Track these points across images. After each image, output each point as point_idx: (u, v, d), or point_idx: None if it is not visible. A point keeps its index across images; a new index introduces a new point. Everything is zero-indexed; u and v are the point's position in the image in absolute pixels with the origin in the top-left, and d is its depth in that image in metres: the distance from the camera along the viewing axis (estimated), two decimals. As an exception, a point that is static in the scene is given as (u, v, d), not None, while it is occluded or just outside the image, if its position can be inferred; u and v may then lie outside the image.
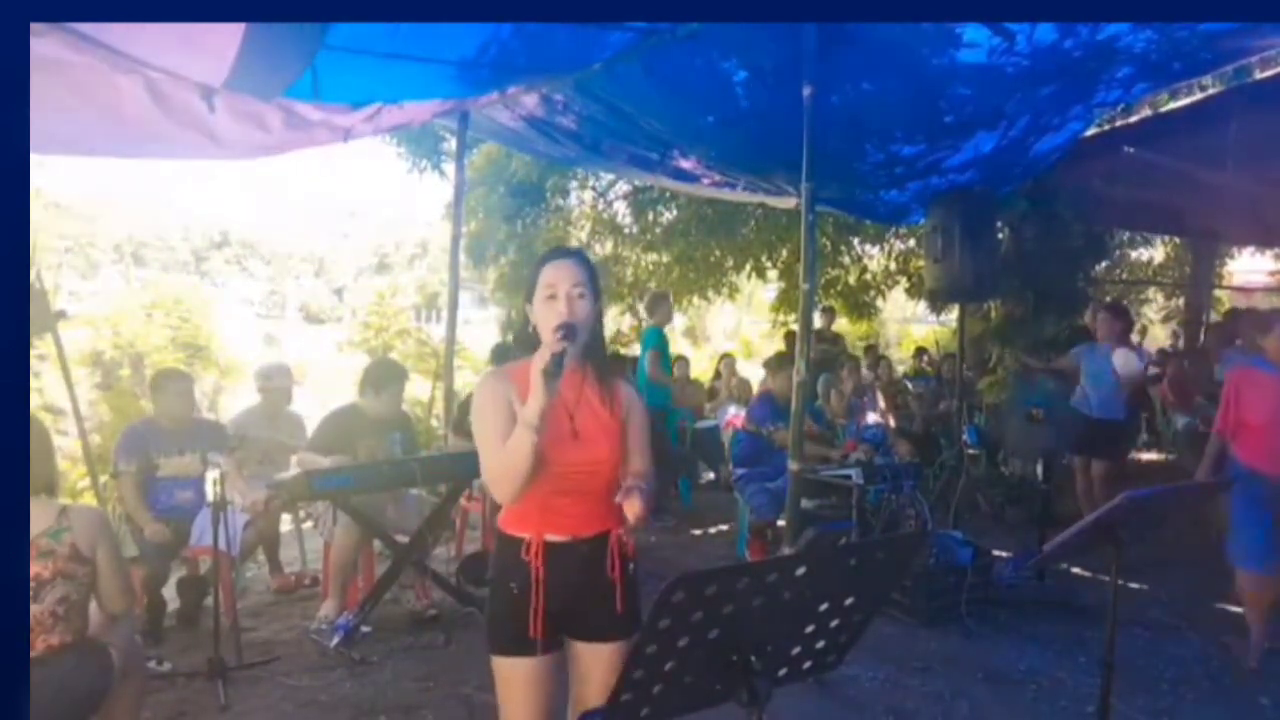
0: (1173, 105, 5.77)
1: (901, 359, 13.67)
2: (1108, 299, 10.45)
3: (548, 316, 1.89)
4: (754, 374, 9.70)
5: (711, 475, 8.15)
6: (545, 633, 1.89)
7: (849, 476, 4.60)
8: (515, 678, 1.92)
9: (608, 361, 2.08)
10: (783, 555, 3.56)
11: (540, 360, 1.76)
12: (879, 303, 12.13)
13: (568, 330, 1.82)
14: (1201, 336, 9.87)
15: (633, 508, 1.85)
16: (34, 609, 2.21)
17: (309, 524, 5.11)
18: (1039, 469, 5.57)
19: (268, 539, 4.72)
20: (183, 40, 2.98)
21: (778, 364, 5.55)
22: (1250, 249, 10.79)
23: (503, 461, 1.82)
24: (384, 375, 4.34)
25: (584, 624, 1.96)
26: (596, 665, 1.97)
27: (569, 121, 4.88)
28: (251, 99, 3.69)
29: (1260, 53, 3.96)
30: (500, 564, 1.97)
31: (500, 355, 5.57)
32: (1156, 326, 14.34)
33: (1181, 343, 10.48)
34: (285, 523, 5.22)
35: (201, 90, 3.43)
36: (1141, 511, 2.37)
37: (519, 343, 2.04)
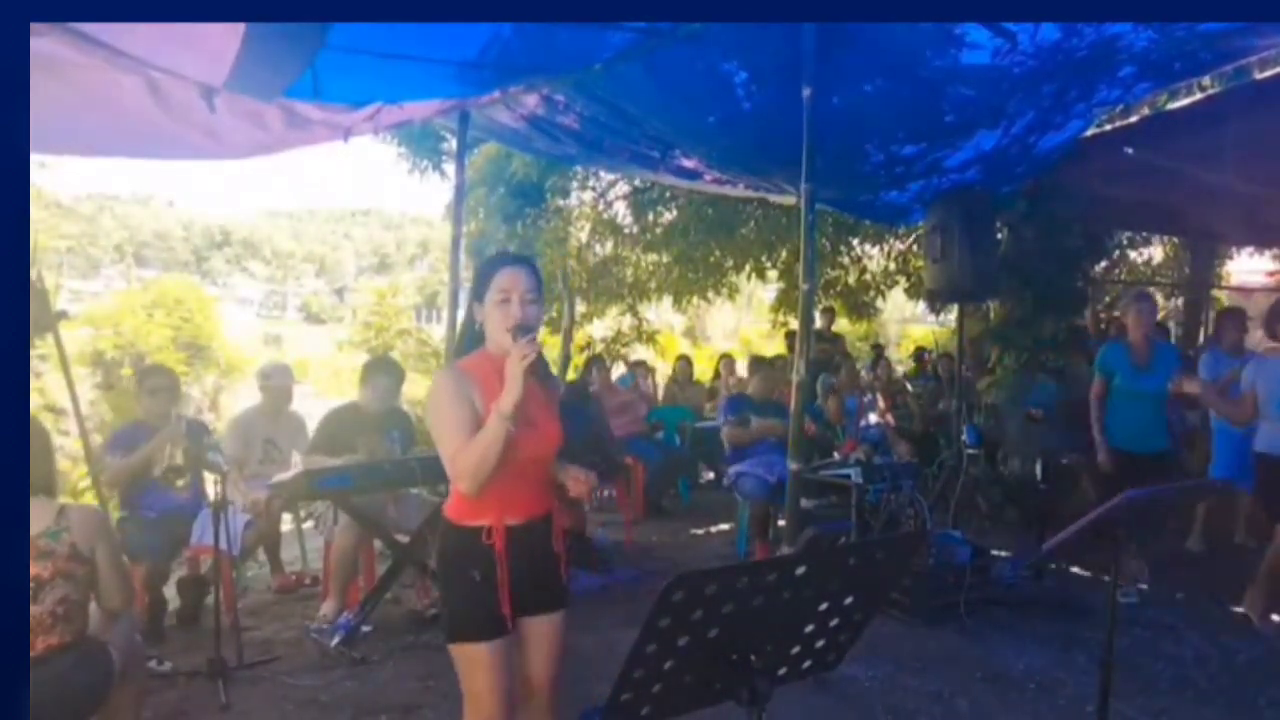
0: (1172, 105, 5.77)
1: (901, 359, 13.68)
2: (1106, 299, 10.49)
3: (499, 319, 2.04)
4: (753, 374, 9.69)
5: (711, 475, 8.16)
6: (513, 612, 2.03)
7: (848, 476, 4.61)
8: (483, 661, 2.02)
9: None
10: (783, 555, 3.56)
11: (524, 360, 1.91)
12: (879, 303, 12.13)
13: (522, 335, 1.97)
14: (1201, 337, 9.86)
15: (584, 482, 2.14)
16: (34, 609, 2.21)
17: (310, 524, 5.12)
18: (1038, 469, 5.58)
19: (268, 538, 4.73)
20: (182, 41, 2.98)
21: (756, 368, 5.85)
22: (1249, 249, 10.79)
23: (476, 453, 1.92)
24: (375, 370, 4.38)
25: (533, 599, 2.09)
26: (542, 635, 2.13)
27: (570, 121, 4.89)
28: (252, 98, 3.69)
29: (1260, 52, 3.97)
30: (457, 554, 2.06)
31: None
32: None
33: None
34: (286, 522, 5.22)
35: (202, 89, 3.43)
36: (1141, 511, 2.37)
37: (467, 339, 2.17)
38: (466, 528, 2.04)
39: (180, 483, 4.10)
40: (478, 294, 2.10)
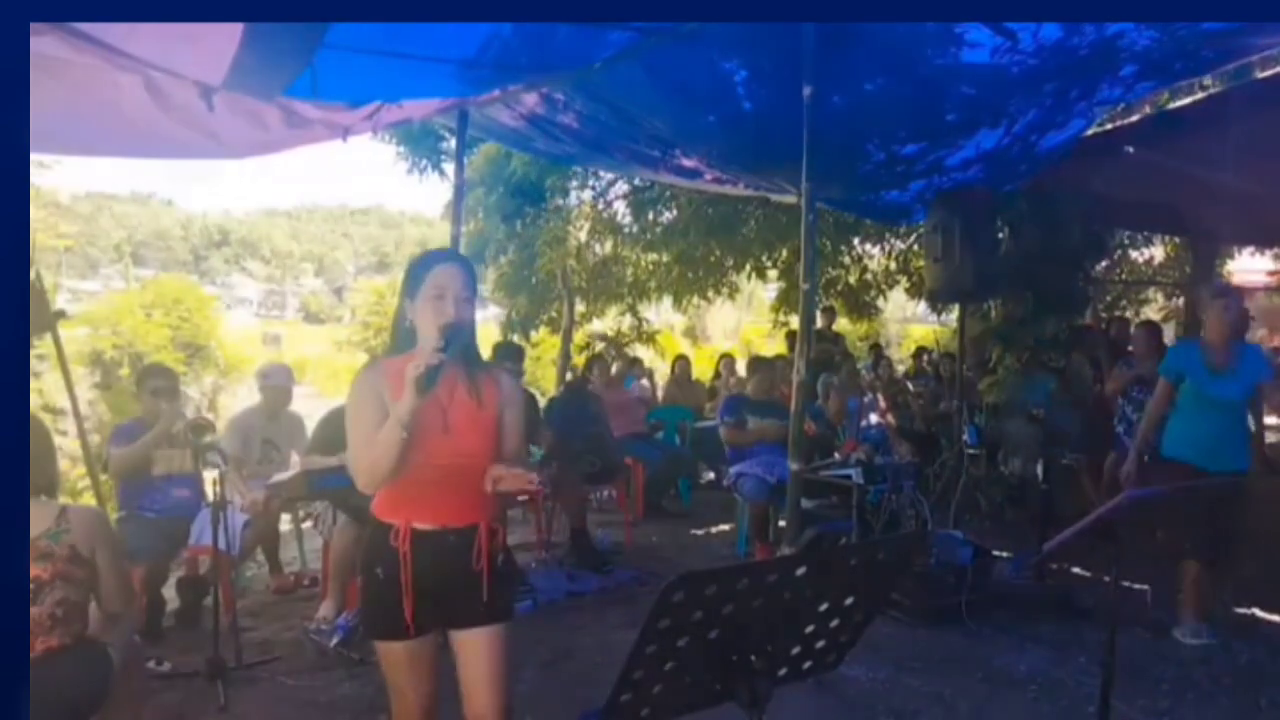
0: (1174, 104, 5.76)
1: (901, 359, 13.67)
2: (1108, 298, 10.48)
3: (431, 316, 1.96)
4: (754, 374, 9.66)
5: (711, 475, 8.15)
6: (415, 618, 1.97)
7: (849, 476, 4.60)
8: (396, 658, 2.02)
9: (479, 358, 2.16)
10: (783, 555, 3.56)
11: (415, 370, 1.84)
12: (879, 302, 12.13)
13: (453, 335, 1.90)
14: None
15: (496, 479, 1.95)
16: (33, 611, 2.20)
17: (308, 524, 5.11)
18: (1039, 469, 5.57)
19: (267, 539, 4.72)
20: (181, 40, 2.98)
21: (755, 368, 5.94)
22: (1250, 248, 10.79)
23: (370, 455, 1.92)
24: None
25: (450, 612, 2.04)
26: (468, 651, 2.05)
27: (570, 120, 4.88)
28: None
29: (1261, 51, 3.96)
30: (370, 550, 2.06)
31: (500, 354, 5.59)
32: (1157, 327, 14.30)
33: None
34: (285, 522, 5.22)
35: (201, 89, 3.42)
36: (1142, 511, 2.36)
37: (399, 338, 2.09)
38: (379, 525, 2.02)
39: (209, 438, 3.96)
40: (410, 291, 2.03)
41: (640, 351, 11.41)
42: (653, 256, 10.70)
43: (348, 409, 2.02)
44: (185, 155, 4.69)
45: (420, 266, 2.04)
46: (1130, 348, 7.06)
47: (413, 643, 2.00)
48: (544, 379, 14.05)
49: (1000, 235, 6.05)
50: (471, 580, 2.02)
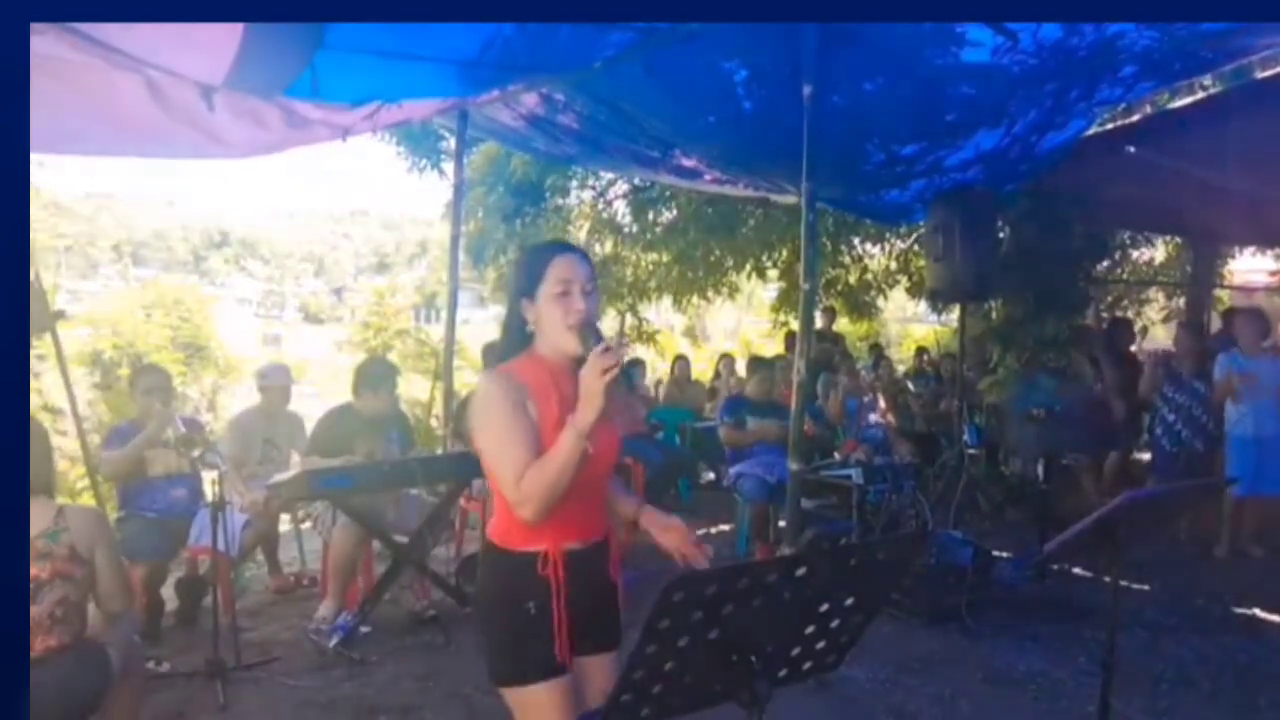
0: (1174, 104, 5.75)
1: (902, 359, 13.66)
2: (1109, 298, 10.47)
3: (560, 314, 1.77)
4: (754, 374, 9.64)
5: (711, 475, 8.14)
6: (572, 648, 1.79)
7: (849, 477, 4.60)
8: (544, 703, 1.77)
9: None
10: (783, 555, 3.55)
11: (609, 372, 1.63)
12: (880, 302, 12.12)
13: (591, 333, 1.72)
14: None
15: (679, 531, 1.97)
16: (32, 610, 2.20)
17: (308, 524, 5.11)
18: (1039, 469, 5.56)
19: (267, 539, 4.71)
20: (182, 39, 2.98)
21: (755, 368, 5.92)
22: (1251, 248, 10.78)
23: (549, 475, 1.67)
24: (377, 374, 4.35)
25: (591, 635, 1.86)
26: (598, 675, 1.89)
27: (570, 120, 4.88)
28: (251, 97, 3.68)
29: (1261, 51, 3.96)
30: (507, 584, 1.81)
31: (492, 354, 5.58)
32: (1158, 327, 14.31)
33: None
34: (284, 523, 5.22)
35: (201, 89, 3.42)
36: (1142, 511, 2.36)
37: (513, 340, 1.87)
38: (518, 554, 1.78)
39: (197, 453, 3.87)
40: (526, 288, 1.80)
41: (640, 351, 11.40)
42: (653, 256, 10.69)
43: (490, 432, 1.75)
44: (186, 155, 4.68)
45: (536, 261, 1.82)
46: (1130, 346, 7.07)
47: (564, 679, 1.79)
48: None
49: (1000, 235, 6.05)
50: (609, 594, 1.90)
